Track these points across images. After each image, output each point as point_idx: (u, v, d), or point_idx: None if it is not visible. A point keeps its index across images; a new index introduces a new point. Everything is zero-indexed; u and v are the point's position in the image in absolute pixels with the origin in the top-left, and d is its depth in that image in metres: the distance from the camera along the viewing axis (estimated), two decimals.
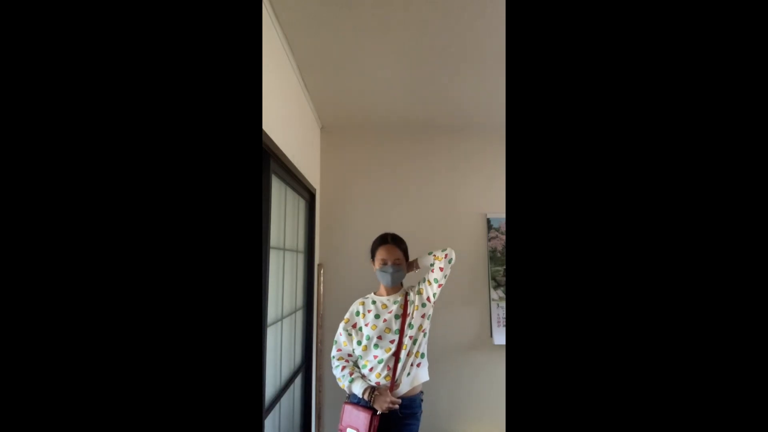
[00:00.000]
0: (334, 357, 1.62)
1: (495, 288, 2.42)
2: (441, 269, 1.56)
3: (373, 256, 1.65)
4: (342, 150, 2.51)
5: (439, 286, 1.57)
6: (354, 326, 1.62)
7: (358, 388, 1.49)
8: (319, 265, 2.34)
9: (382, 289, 1.65)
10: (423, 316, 1.57)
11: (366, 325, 1.58)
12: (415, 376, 1.54)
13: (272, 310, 1.50)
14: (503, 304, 2.41)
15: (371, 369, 1.52)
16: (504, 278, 2.43)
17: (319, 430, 2.23)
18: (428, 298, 1.58)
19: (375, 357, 1.53)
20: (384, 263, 1.59)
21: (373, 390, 1.47)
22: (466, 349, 2.38)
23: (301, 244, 2.06)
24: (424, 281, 1.60)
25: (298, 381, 1.96)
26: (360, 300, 1.67)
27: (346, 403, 1.54)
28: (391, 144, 2.52)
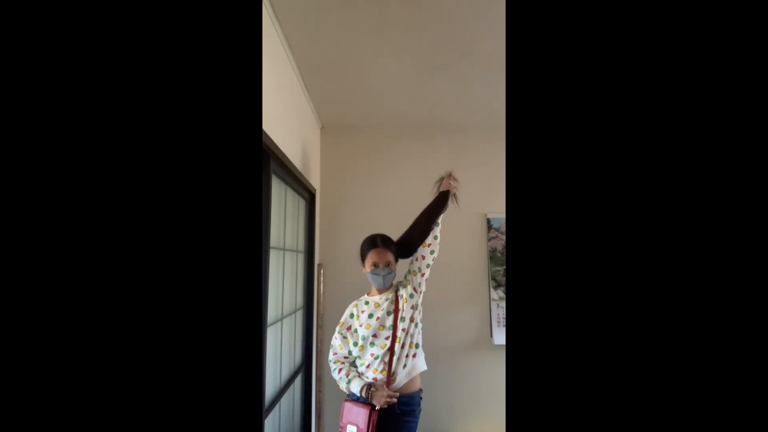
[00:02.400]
0: (331, 361, 1.65)
1: (495, 288, 2.42)
2: (423, 258, 1.61)
3: (363, 259, 1.64)
4: (342, 150, 2.51)
5: (423, 275, 1.61)
6: (348, 329, 1.64)
7: (356, 387, 1.51)
8: (319, 265, 2.34)
9: (374, 290, 1.66)
10: (412, 308, 1.58)
11: (360, 325, 1.60)
12: (412, 367, 1.55)
13: (272, 310, 1.50)
14: (503, 304, 2.41)
15: (368, 366, 1.54)
16: (504, 278, 2.43)
17: (319, 430, 2.23)
18: (414, 288, 1.60)
19: (372, 355, 1.55)
20: (375, 266, 1.58)
21: (370, 386, 1.49)
22: (466, 349, 2.38)
23: (301, 244, 2.06)
24: (409, 273, 1.63)
25: (298, 381, 1.96)
26: (354, 303, 1.69)
27: (346, 400, 1.56)
28: (391, 144, 2.52)
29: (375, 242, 1.62)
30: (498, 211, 2.48)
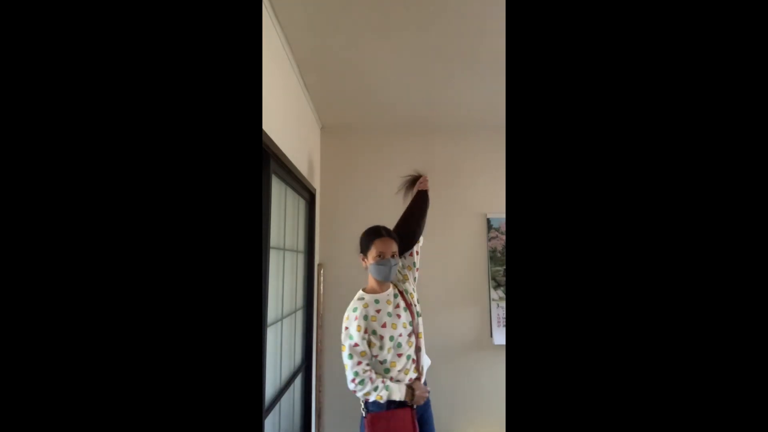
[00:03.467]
0: (357, 373, 1.42)
1: (495, 288, 2.42)
2: (418, 253, 1.69)
3: (365, 251, 1.54)
4: (342, 150, 2.51)
5: (417, 269, 1.68)
6: (365, 331, 1.46)
7: (399, 393, 1.41)
8: (319, 265, 2.34)
9: (376, 285, 1.54)
10: (417, 301, 1.62)
11: (383, 326, 1.46)
12: (425, 359, 1.59)
13: (272, 310, 1.50)
14: (503, 304, 2.41)
15: (401, 369, 1.46)
16: (504, 278, 2.42)
17: (319, 430, 2.23)
18: (412, 283, 1.66)
19: (403, 355, 1.47)
20: (382, 257, 1.48)
21: (411, 389, 1.45)
22: (466, 349, 2.38)
23: (301, 244, 2.06)
24: (404, 268, 1.65)
25: (298, 381, 1.96)
26: (361, 303, 1.50)
27: (370, 414, 1.42)
28: (391, 144, 2.52)
29: (379, 232, 1.53)
30: (498, 211, 2.48)
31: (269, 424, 1.48)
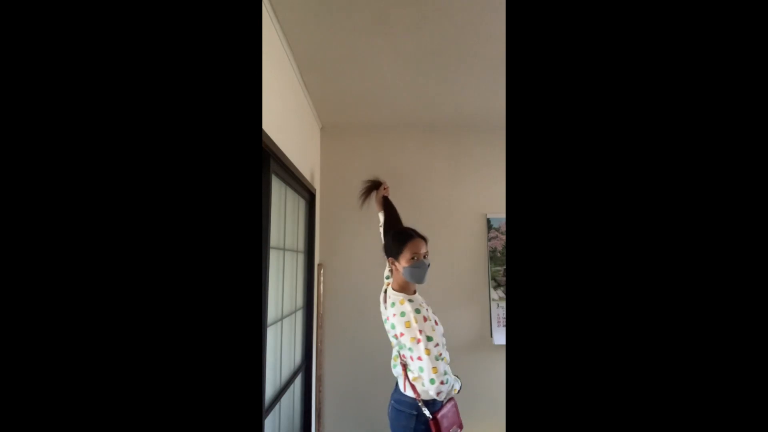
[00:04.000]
0: (446, 372, 1.38)
1: (495, 288, 2.42)
2: None
3: (396, 255, 1.48)
4: (342, 150, 2.51)
5: None
6: (435, 331, 1.44)
7: (458, 383, 1.49)
8: (319, 265, 2.34)
9: (410, 287, 1.51)
10: None
11: (436, 323, 1.46)
12: None
13: (272, 310, 1.50)
14: (503, 304, 2.41)
15: (449, 363, 1.48)
16: (504, 278, 2.42)
17: (319, 430, 2.23)
18: None
19: (447, 350, 1.51)
20: (417, 258, 1.44)
21: (458, 378, 1.51)
22: (466, 349, 2.37)
23: (301, 244, 2.06)
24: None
25: (298, 381, 1.96)
26: (416, 303, 1.46)
27: (436, 414, 1.38)
28: (391, 144, 2.52)
29: (410, 234, 1.48)
30: (498, 211, 2.47)
31: (269, 424, 1.48)
